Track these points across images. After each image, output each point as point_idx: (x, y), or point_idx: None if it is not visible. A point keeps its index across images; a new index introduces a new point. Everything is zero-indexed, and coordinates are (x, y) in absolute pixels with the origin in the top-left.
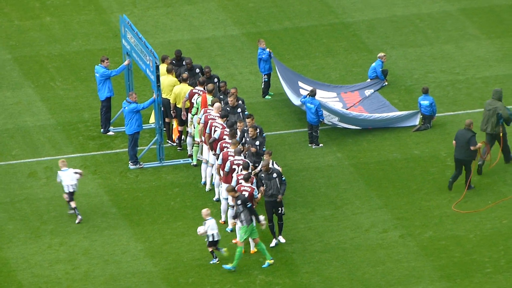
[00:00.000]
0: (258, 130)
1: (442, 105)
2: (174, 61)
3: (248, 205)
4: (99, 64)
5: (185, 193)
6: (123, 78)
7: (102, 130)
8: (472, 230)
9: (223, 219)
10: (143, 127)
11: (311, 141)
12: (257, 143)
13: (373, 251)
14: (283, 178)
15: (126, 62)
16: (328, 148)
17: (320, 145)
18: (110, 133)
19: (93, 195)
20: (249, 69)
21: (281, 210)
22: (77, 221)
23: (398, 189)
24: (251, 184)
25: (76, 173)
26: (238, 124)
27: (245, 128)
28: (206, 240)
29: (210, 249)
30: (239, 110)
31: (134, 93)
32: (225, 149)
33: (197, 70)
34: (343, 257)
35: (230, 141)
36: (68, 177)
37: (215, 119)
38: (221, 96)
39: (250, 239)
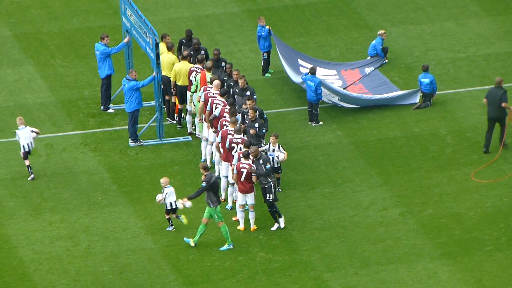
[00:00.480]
0: (257, 113)
1: (442, 83)
2: (184, 40)
3: (210, 186)
4: (99, 42)
5: (185, 171)
6: (123, 55)
7: (102, 107)
8: (472, 208)
9: (223, 196)
10: (143, 105)
11: (311, 119)
12: (256, 125)
13: (373, 229)
14: (267, 166)
15: (126, 40)
16: (328, 126)
17: (320, 123)
18: (110, 110)
19: (94, 172)
20: (249, 47)
21: (269, 197)
22: (29, 178)
23: (398, 167)
24: (252, 162)
25: (32, 131)
26: (244, 106)
27: (244, 110)
28: (165, 208)
29: (167, 217)
30: (248, 92)
31: (134, 71)
32: (224, 127)
33: (202, 52)
34: (343, 234)
35: (229, 119)
36: (24, 136)
37: (216, 97)
38: (225, 78)
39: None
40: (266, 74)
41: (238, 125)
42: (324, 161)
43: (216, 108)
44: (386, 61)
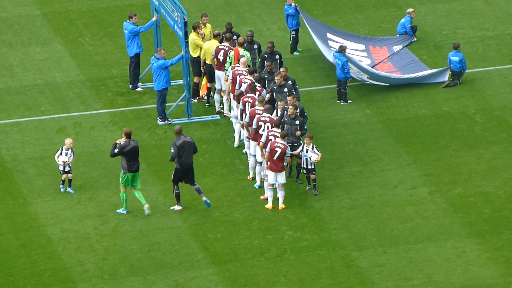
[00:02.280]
0: (298, 110)
1: (471, 61)
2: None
3: (123, 152)
4: (127, 21)
5: (213, 150)
6: (151, 34)
7: (130, 86)
8: (501, 187)
9: (251, 175)
10: (171, 83)
11: (340, 97)
12: (297, 122)
13: (401, 208)
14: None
15: (154, 18)
16: (356, 104)
17: (349, 101)
18: (139, 89)
19: None
20: (278, 25)
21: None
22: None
23: (426, 145)
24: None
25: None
26: (278, 103)
27: (285, 106)
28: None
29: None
30: (285, 89)
31: (163, 49)
32: (247, 104)
33: (255, 46)
34: (371, 213)
35: (255, 96)
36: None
37: (244, 74)
38: (266, 76)
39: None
40: (295, 53)
41: (267, 105)
42: (353, 140)
43: (244, 84)
44: (415, 39)
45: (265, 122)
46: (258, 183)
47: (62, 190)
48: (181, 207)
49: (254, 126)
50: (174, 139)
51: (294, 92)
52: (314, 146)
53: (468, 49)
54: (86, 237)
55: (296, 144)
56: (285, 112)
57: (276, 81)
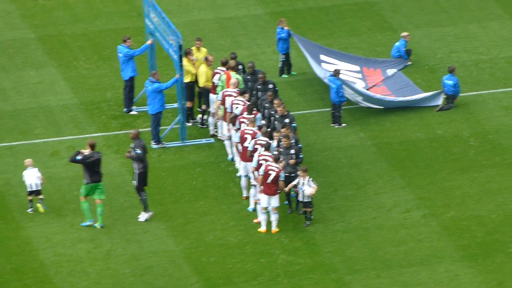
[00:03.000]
0: (293, 140)
1: (465, 85)
2: (248, 76)
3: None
4: (122, 44)
5: (207, 173)
6: (146, 58)
7: (125, 109)
8: (495, 210)
9: (244, 194)
10: (166, 107)
11: (334, 121)
12: (292, 151)
13: (395, 231)
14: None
15: (149, 42)
16: (351, 128)
17: (343, 124)
18: (133, 112)
19: (116, 174)
20: (272, 49)
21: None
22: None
23: (420, 169)
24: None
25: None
26: (274, 134)
27: (279, 138)
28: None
29: (29, 198)
30: (287, 120)
31: (157, 73)
32: (242, 125)
33: (270, 86)
34: (365, 237)
35: (249, 116)
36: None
37: (232, 95)
38: (267, 105)
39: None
40: (283, 76)
41: (264, 128)
42: (347, 163)
43: (237, 107)
44: (410, 63)
45: (261, 145)
46: (252, 206)
47: (29, 211)
48: (151, 213)
49: (250, 148)
50: (135, 143)
51: (294, 124)
52: (311, 179)
53: (462, 73)
54: (79, 261)
55: (293, 175)
56: (280, 143)
57: (279, 111)
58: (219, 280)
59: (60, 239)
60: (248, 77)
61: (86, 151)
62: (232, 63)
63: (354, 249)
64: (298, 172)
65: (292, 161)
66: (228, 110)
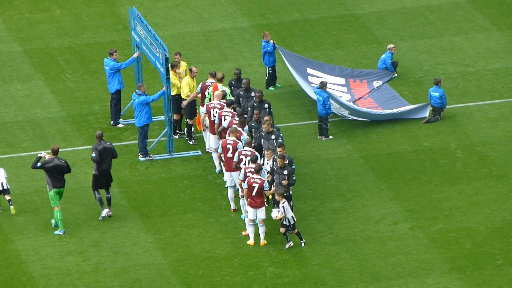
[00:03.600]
0: (287, 161)
1: (452, 97)
2: (233, 82)
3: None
4: (108, 57)
5: (195, 185)
6: (132, 70)
7: (112, 122)
8: (483, 222)
9: (232, 207)
10: (153, 119)
11: (321, 133)
12: (285, 172)
13: (383, 243)
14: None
15: (135, 55)
16: (338, 140)
17: (330, 137)
18: (120, 125)
19: None
20: (259, 61)
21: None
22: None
23: (408, 181)
24: (261, 176)
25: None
26: (265, 152)
27: (275, 157)
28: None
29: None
30: (273, 136)
31: (143, 85)
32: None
33: (252, 94)
34: (353, 249)
35: (240, 129)
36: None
37: (218, 108)
38: (253, 124)
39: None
40: (270, 88)
41: (247, 137)
42: (334, 175)
43: (225, 119)
44: (396, 75)
45: (246, 155)
46: (244, 214)
47: None
48: (108, 209)
49: (235, 160)
50: (95, 144)
51: (280, 140)
52: (285, 202)
53: (448, 85)
54: (67, 274)
55: (286, 194)
56: (274, 162)
57: (264, 128)
58: None
59: (49, 252)
60: (241, 93)
61: (48, 156)
62: (219, 75)
63: (342, 261)
64: (275, 195)
65: (285, 182)
66: (217, 122)
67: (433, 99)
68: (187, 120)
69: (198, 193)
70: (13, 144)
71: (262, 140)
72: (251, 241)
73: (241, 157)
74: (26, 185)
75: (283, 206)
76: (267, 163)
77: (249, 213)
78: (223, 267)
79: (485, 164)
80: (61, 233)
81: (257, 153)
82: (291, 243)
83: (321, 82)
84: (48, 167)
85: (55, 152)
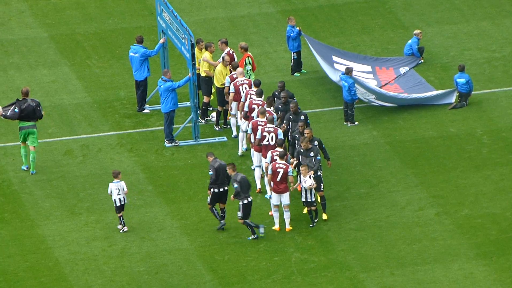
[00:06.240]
0: (316, 142)
1: (478, 83)
2: (277, 93)
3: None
4: (137, 44)
5: None
6: (158, 56)
7: (137, 108)
8: (509, 208)
9: (258, 186)
10: (179, 105)
11: (347, 119)
12: (311, 154)
13: (409, 229)
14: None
15: (161, 40)
16: (363, 126)
17: (356, 123)
18: (146, 111)
19: (129, 172)
20: (284, 47)
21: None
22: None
23: (434, 167)
24: (286, 162)
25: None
26: (301, 168)
27: (298, 138)
28: None
29: None
30: (311, 153)
31: (169, 71)
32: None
33: (302, 117)
34: (378, 235)
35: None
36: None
37: (245, 84)
38: (297, 136)
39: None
40: (295, 74)
41: (272, 116)
42: (360, 161)
43: (250, 98)
44: (422, 61)
45: (269, 132)
46: (268, 193)
47: None
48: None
49: (258, 136)
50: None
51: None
52: (312, 175)
53: (475, 70)
54: (93, 259)
55: (314, 175)
56: (298, 145)
57: (303, 146)
58: (233, 278)
59: (75, 237)
60: (280, 106)
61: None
62: (243, 44)
63: (368, 247)
64: (301, 168)
65: (292, 160)
66: (242, 99)
67: (459, 86)
68: (218, 107)
69: None
70: (39, 129)
71: (300, 156)
72: (276, 227)
73: (264, 133)
74: (52, 170)
75: (312, 177)
76: (304, 180)
77: (273, 198)
78: (249, 252)
79: (511, 150)
80: (24, 168)
81: (280, 130)
82: (316, 221)
83: (347, 68)
84: (23, 108)
85: (25, 94)
